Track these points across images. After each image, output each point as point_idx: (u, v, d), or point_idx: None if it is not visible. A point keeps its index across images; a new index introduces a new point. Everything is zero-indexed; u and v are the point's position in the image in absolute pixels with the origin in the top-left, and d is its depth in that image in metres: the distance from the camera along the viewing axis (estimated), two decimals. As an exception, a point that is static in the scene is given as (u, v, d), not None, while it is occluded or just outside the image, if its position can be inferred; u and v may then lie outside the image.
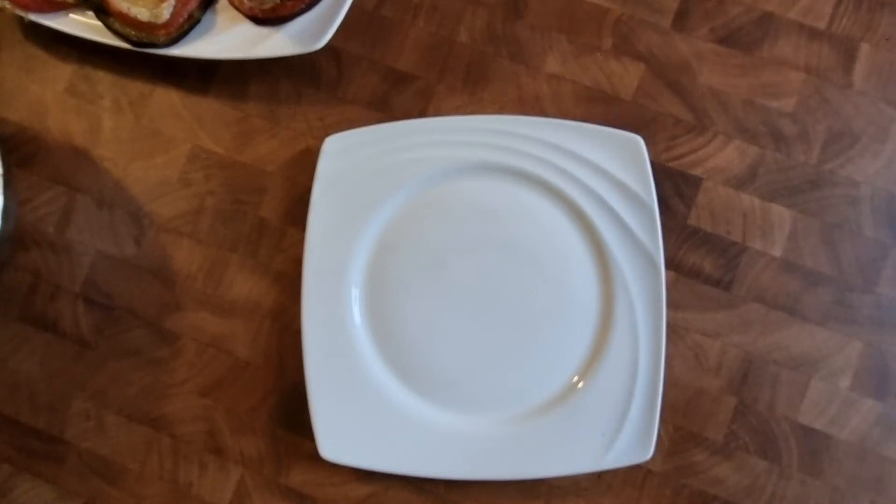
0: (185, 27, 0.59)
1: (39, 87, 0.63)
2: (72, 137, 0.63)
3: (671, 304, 0.59)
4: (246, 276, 0.61)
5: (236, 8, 0.59)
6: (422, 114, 0.62)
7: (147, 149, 0.62)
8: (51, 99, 0.63)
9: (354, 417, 0.57)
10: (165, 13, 0.58)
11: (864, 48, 0.61)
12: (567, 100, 0.61)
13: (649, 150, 0.58)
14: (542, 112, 0.62)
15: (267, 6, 0.59)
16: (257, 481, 0.59)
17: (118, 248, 0.61)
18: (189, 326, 0.61)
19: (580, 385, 0.57)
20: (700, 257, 0.60)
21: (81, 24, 0.60)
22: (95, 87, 0.63)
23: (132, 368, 0.61)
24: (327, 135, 0.58)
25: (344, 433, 0.56)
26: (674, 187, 0.60)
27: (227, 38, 0.59)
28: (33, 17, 0.59)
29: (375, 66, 0.62)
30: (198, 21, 0.59)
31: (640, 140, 0.57)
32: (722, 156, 0.61)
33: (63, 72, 0.63)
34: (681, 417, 0.59)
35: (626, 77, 0.61)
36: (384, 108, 0.62)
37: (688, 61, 0.61)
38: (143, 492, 0.60)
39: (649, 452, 0.56)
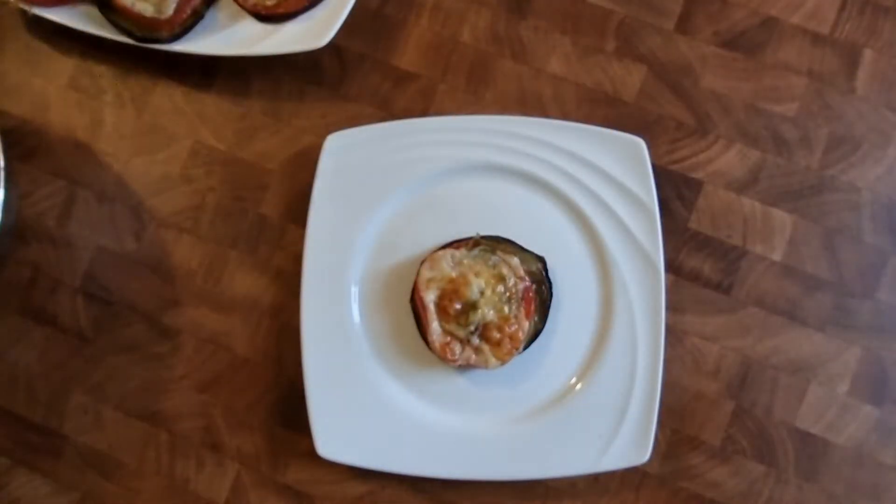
0: (188, 23, 0.59)
1: (42, 81, 0.63)
2: (74, 132, 0.62)
3: (670, 307, 0.59)
4: (246, 273, 0.61)
5: (240, 5, 0.59)
6: (424, 113, 0.62)
7: (149, 144, 0.62)
8: (53, 93, 0.63)
9: (352, 416, 0.57)
10: (169, 9, 0.58)
11: (868, 54, 0.61)
12: (569, 101, 0.61)
13: (651, 153, 0.58)
14: (544, 113, 0.61)
15: (270, 3, 0.59)
16: (254, 478, 0.59)
17: (118, 243, 0.61)
18: (188, 322, 0.61)
19: (578, 387, 0.57)
20: (700, 261, 0.60)
21: (85, 19, 0.60)
22: (98, 82, 0.63)
23: (131, 363, 0.61)
24: (329, 132, 0.58)
25: (341, 431, 0.56)
26: (675, 190, 0.60)
27: (230, 35, 0.59)
28: (37, 11, 0.59)
29: (378, 65, 0.62)
30: (201, 17, 0.59)
31: (641, 142, 0.57)
32: (723, 159, 0.61)
33: (66, 66, 0.63)
34: (678, 420, 0.59)
35: (629, 79, 0.61)
36: (386, 107, 0.62)
37: (690, 64, 0.61)
38: (139, 486, 0.60)
39: (646, 455, 0.56)
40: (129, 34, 0.59)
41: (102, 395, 0.60)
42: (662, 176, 0.60)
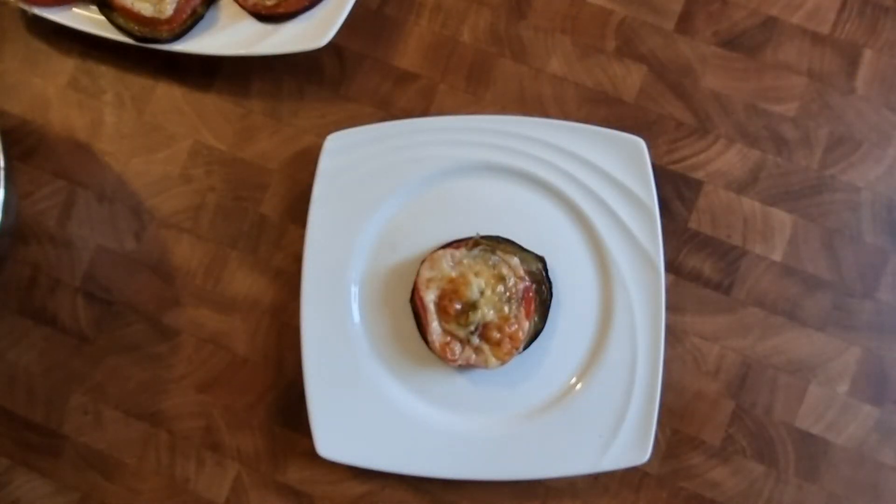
0: (188, 23, 0.59)
1: (42, 80, 0.63)
2: (74, 131, 0.62)
3: (670, 307, 0.59)
4: (246, 273, 0.61)
5: (240, 5, 0.59)
6: (424, 113, 0.62)
7: (149, 144, 0.62)
8: (53, 93, 0.63)
9: (352, 416, 0.57)
10: (169, 8, 0.58)
11: (868, 54, 0.61)
12: (569, 101, 0.61)
13: (651, 153, 0.58)
14: (544, 113, 0.62)
15: (270, 3, 0.59)
16: (254, 478, 0.59)
17: (118, 243, 0.61)
18: (188, 322, 0.61)
19: (578, 387, 0.57)
20: (700, 261, 0.60)
21: (85, 19, 0.60)
22: (98, 82, 0.63)
23: (130, 363, 0.61)
24: (329, 132, 0.58)
25: (341, 431, 0.56)
26: (675, 190, 0.60)
27: (231, 35, 0.59)
28: (37, 10, 0.59)
29: (378, 65, 0.62)
30: (201, 17, 0.59)
31: (641, 142, 0.57)
32: (723, 159, 0.61)
33: (66, 66, 0.63)
34: (678, 420, 0.59)
35: (629, 79, 0.61)
36: (386, 107, 0.62)
37: (690, 64, 0.61)
38: (139, 486, 0.60)
39: (646, 455, 0.56)
40: (129, 34, 0.59)
41: (102, 394, 0.60)
42: (662, 176, 0.60)
